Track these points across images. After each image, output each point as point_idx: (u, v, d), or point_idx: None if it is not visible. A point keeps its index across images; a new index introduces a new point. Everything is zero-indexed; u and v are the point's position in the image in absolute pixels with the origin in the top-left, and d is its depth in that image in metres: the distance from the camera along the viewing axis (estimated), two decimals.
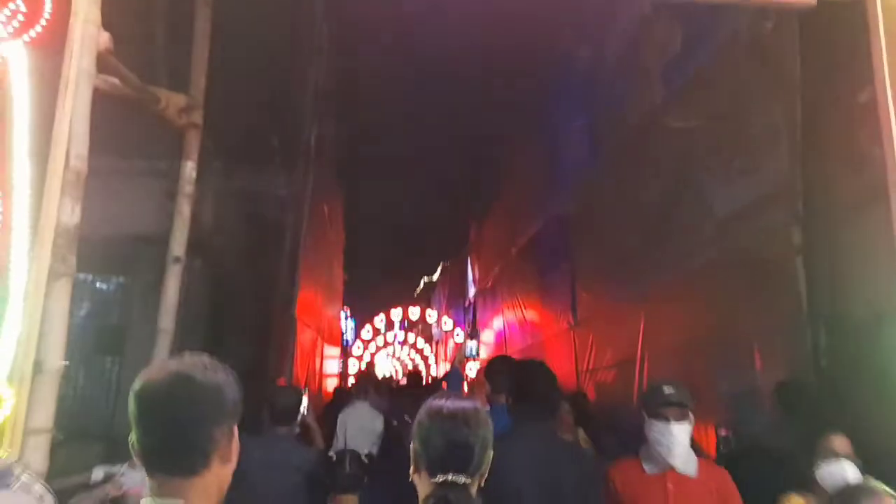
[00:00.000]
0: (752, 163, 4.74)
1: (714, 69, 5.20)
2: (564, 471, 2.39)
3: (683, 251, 5.58)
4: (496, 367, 3.79)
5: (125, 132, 7.67)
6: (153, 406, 1.17)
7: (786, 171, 4.37)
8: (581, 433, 4.75)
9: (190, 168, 3.03)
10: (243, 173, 7.97)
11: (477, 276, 17.56)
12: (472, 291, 18.40)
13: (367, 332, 21.13)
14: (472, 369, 13.31)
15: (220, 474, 1.21)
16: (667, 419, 2.38)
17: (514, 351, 11.82)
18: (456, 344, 14.61)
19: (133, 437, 1.19)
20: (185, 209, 3.00)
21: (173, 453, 1.17)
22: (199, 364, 1.23)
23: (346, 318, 23.10)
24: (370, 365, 12.78)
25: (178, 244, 2.97)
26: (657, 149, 6.20)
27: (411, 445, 1.53)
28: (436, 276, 26.78)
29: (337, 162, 12.41)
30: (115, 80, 2.47)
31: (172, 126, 3.08)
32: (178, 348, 7.56)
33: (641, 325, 6.30)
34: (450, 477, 1.43)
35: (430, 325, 21.83)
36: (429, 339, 22.91)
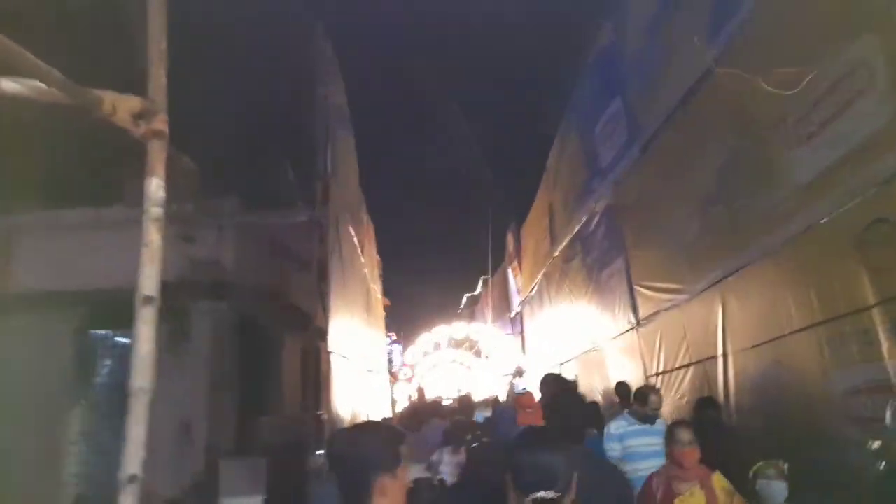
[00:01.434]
0: (837, 112, 3.94)
1: (774, 6, 4.43)
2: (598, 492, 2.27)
3: (761, 228, 4.77)
4: (545, 386, 3.76)
5: (129, 178, 7.30)
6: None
7: (886, 114, 3.57)
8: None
9: (156, 185, 2.38)
10: (259, 205, 7.48)
11: (520, 285, 16.81)
12: (516, 301, 17.65)
13: (412, 356, 20.56)
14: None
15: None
16: None
17: (572, 358, 11.02)
18: (510, 384, 13.86)
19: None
20: (154, 237, 2.33)
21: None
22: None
23: (392, 343, 22.60)
24: (420, 393, 12.12)
25: (149, 281, 2.30)
26: (713, 117, 5.44)
27: (507, 475, 1.77)
28: (478, 291, 26.18)
29: (362, 182, 11.92)
30: (33, 82, 1.85)
31: (132, 137, 2.46)
32: (213, 397, 7.07)
33: (720, 318, 5.48)
34: (539, 495, 1.66)
35: (477, 342, 21.10)
36: (477, 355, 22.16)
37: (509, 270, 18.22)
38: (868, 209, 3.66)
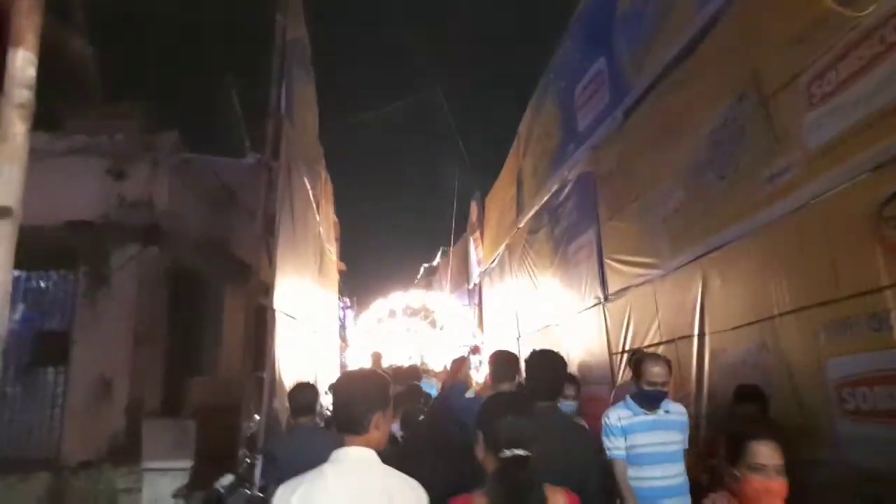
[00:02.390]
0: (862, 70, 3.50)
1: None
2: (569, 445, 2.66)
3: (758, 198, 4.35)
4: (499, 360, 3.99)
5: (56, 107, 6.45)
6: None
7: None
8: None
9: (22, 60, 1.73)
10: (202, 143, 6.71)
11: (481, 256, 16.36)
12: (476, 272, 17.21)
13: (365, 322, 20.03)
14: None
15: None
16: None
17: (532, 332, 10.65)
18: (462, 359, 13.59)
19: None
20: (17, 127, 1.69)
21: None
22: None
23: (345, 307, 22.00)
24: (377, 359, 11.62)
25: (7, 187, 1.67)
26: (711, 76, 4.97)
27: (478, 434, 1.93)
28: (436, 262, 25.79)
29: (323, 140, 11.18)
30: None
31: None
32: (138, 351, 6.39)
33: (699, 295, 5.09)
34: (517, 452, 1.81)
35: (433, 312, 20.65)
36: (433, 325, 21.76)
37: (471, 240, 17.75)
38: (890, 180, 3.24)
